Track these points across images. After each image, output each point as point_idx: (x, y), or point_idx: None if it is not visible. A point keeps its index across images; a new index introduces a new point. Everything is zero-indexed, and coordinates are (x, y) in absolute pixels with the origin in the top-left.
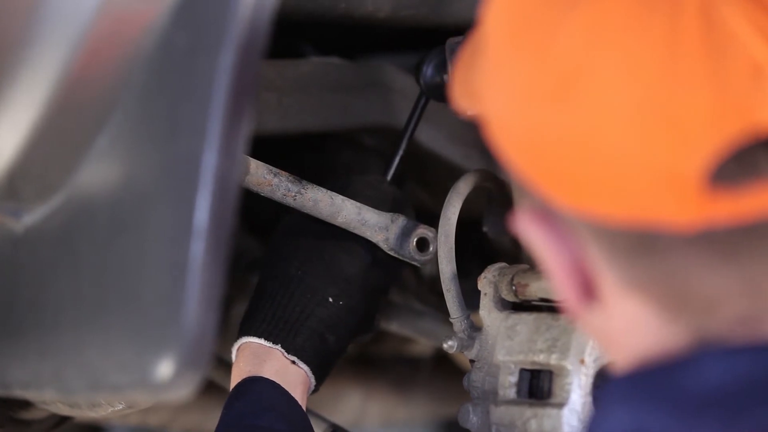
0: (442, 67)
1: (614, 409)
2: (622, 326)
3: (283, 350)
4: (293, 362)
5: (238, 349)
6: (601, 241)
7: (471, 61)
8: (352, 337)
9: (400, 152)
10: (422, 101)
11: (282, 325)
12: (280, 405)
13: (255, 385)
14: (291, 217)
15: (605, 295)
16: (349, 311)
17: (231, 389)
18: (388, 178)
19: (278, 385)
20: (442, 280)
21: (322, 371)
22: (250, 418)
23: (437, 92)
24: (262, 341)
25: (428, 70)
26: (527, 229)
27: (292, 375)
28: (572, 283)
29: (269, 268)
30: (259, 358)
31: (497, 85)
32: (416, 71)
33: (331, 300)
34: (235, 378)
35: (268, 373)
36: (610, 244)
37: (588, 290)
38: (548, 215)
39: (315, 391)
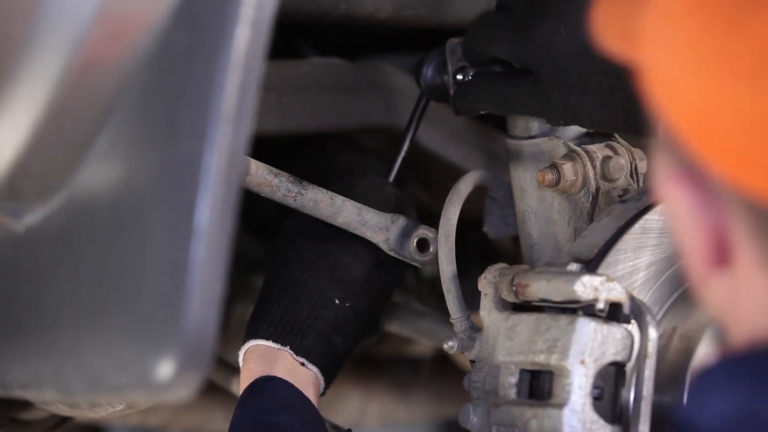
0: (443, 68)
1: (721, 391)
2: (749, 300)
3: (291, 352)
4: (302, 364)
5: (246, 352)
6: (752, 217)
7: (626, 2)
8: (358, 339)
9: (402, 153)
10: (423, 102)
11: (289, 327)
12: (295, 404)
13: (269, 384)
14: (294, 218)
15: (739, 266)
16: (355, 313)
17: (242, 389)
18: (391, 179)
19: (291, 384)
20: (442, 281)
21: (330, 373)
22: (266, 415)
23: (438, 93)
24: (270, 343)
25: (428, 71)
26: (667, 186)
27: (302, 376)
28: (705, 247)
29: (274, 271)
30: (270, 359)
31: (675, 43)
32: (416, 72)
33: (337, 302)
34: (246, 378)
35: (280, 373)
36: (761, 222)
37: (720, 257)
38: (694, 176)
39: (323, 393)
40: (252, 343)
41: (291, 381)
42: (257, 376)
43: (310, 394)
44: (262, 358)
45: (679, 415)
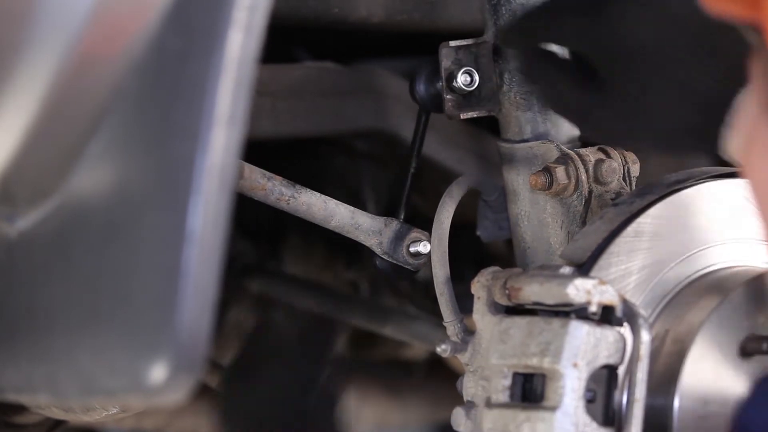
0: (434, 77)
1: None
2: None
3: None
4: None
5: None
6: None
7: None
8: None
9: (411, 170)
10: (423, 117)
11: None
12: None
13: None
14: None
15: None
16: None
17: None
18: (404, 196)
19: None
20: (435, 284)
21: None
22: None
23: (436, 104)
24: None
25: (421, 86)
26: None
27: None
28: None
29: None
30: None
31: None
32: (410, 90)
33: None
34: None
35: None
36: None
37: None
38: None
39: None
40: None
41: None
42: None
43: None
44: None
45: (741, 416)
